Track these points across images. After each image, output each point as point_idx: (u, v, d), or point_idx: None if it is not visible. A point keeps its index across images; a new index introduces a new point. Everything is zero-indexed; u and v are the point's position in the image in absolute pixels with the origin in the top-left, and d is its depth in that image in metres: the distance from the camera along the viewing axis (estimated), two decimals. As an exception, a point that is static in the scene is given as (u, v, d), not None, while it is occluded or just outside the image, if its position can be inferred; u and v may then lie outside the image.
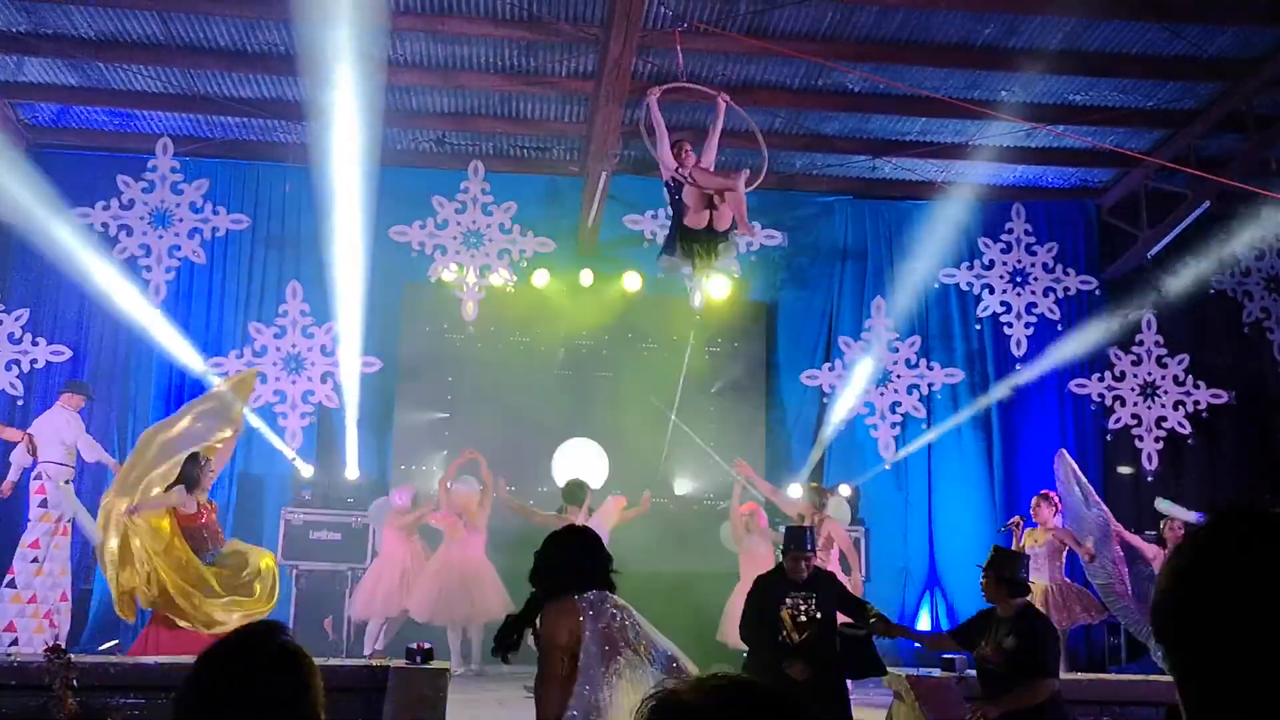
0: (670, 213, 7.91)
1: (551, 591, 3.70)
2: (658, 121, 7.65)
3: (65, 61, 9.74)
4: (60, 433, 8.99)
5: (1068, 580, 9.19)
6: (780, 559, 6.17)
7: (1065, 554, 9.19)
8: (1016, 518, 9.38)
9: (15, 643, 8.37)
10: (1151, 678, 7.17)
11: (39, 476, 8.84)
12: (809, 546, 5.92)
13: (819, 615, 5.65)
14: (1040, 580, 8.91)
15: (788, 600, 5.69)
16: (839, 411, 11.20)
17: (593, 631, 3.58)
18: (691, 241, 7.54)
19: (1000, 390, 11.50)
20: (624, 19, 8.16)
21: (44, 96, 10.28)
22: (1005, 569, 5.30)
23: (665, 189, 7.72)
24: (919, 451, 11.46)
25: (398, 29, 9.05)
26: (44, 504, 8.75)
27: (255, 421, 10.40)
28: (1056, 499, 9.22)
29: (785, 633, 5.63)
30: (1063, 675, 7.12)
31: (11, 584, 8.58)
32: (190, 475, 7.65)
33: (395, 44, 9.38)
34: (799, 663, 5.49)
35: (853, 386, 11.19)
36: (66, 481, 8.89)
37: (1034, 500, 9.28)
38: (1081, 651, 10.54)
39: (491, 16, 8.94)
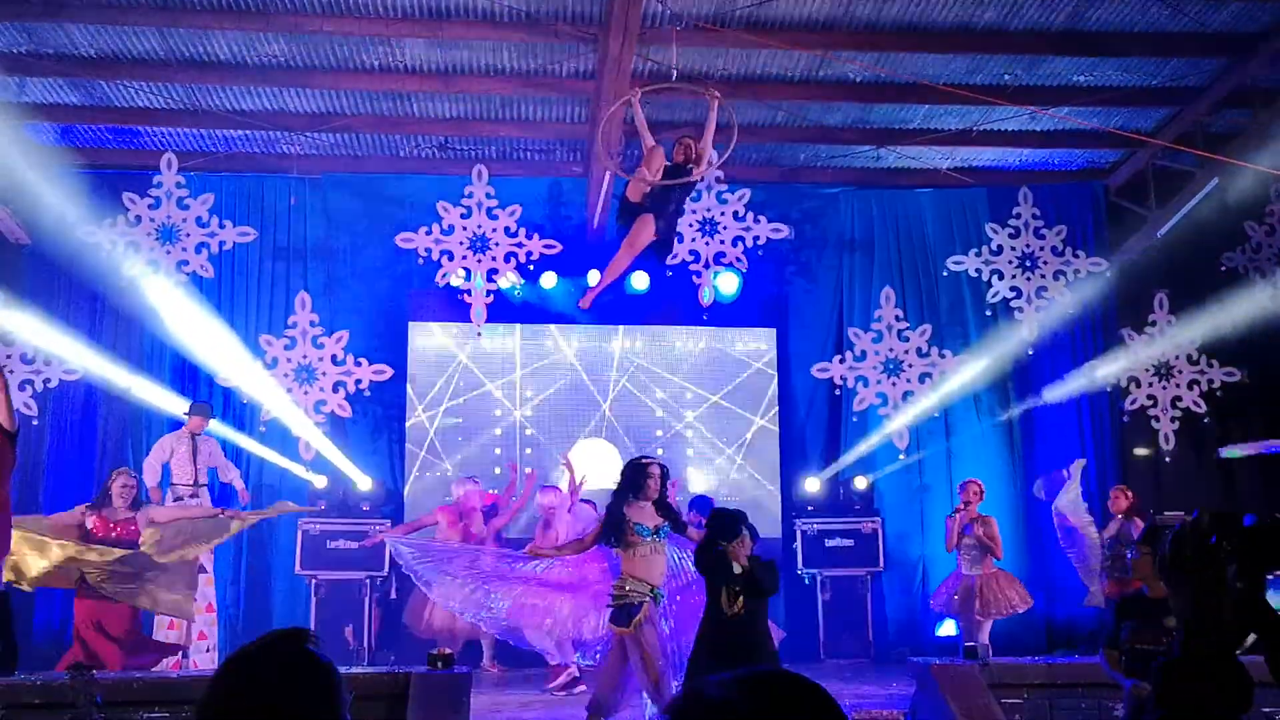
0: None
1: None
2: (641, 123, 7.75)
3: (67, 80, 9.76)
4: (161, 457, 9.39)
5: (999, 570, 9.13)
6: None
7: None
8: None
9: (209, 649, 9.01)
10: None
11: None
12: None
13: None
14: (975, 570, 8.91)
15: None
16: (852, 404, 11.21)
17: None
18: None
19: (1013, 375, 11.47)
20: (622, 18, 8.15)
21: (47, 116, 10.30)
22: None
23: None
24: (936, 440, 11.43)
25: (396, 35, 9.06)
26: None
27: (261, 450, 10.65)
28: (980, 486, 9.26)
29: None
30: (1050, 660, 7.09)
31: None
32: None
33: (395, 51, 9.39)
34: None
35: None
36: (176, 499, 9.21)
37: (959, 486, 9.32)
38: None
39: (489, 20, 8.93)
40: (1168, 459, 10.96)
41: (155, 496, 9.38)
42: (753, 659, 5.62)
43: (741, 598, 5.91)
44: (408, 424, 11.30)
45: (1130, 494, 9.41)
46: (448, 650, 6.32)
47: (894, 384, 11.16)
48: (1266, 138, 9.88)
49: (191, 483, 9.34)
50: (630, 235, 7.81)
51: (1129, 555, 8.52)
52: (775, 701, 1.44)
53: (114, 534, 7.81)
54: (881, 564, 10.93)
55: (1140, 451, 11.55)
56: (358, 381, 10.66)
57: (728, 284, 11.00)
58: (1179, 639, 2.24)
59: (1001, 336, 11.22)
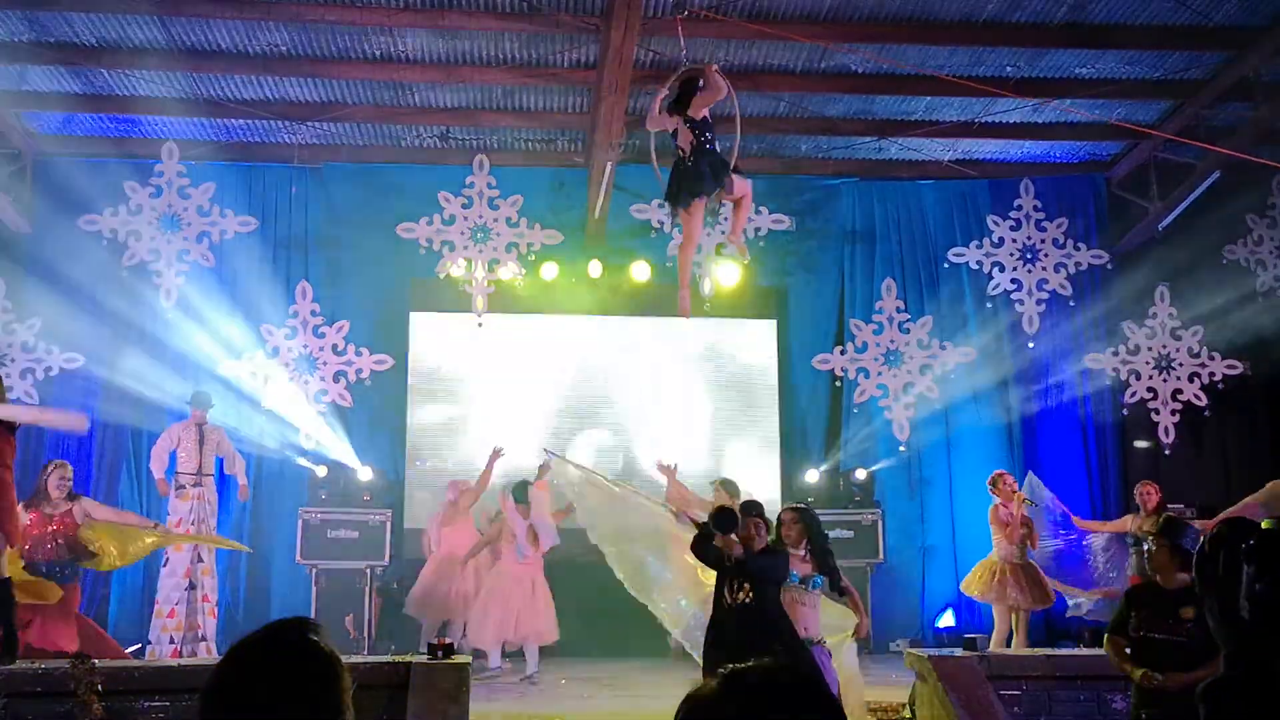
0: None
1: None
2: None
3: (68, 69, 9.74)
4: (167, 445, 9.39)
5: (1031, 560, 9.09)
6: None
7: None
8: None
9: (203, 638, 9.01)
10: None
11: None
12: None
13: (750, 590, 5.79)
14: (1009, 559, 8.88)
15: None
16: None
17: None
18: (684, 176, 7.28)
19: (1014, 368, 11.47)
20: (625, 8, 8.13)
21: (49, 105, 10.28)
22: (1182, 538, 4.94)
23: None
24: (936, 432, 11.43)
25: (398, 25, 9.05)
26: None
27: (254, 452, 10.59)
28: (1011, 478, 9.22)
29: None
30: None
31: (190, 585, 9.05)
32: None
33: (396, 40, 9.37)
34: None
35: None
36: (179, 487, 9.21)
37: (993, 476, 9.19)
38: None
39: (492, 9, 8.91)
40: (1168, 452, 10.97)
41: (162, 488, 9.36)
42: (771, 647, 5.52)
43: (747, 586, 5.74)
44: (408, 414, 11.30)
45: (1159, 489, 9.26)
46: (448, 640, 6.34)
47: (895, 375, 11.17)
48: (1268, 131, 9.87)
49: (195, 471, 9.28)
50: (686, 229, 7.52)
51: (1146, 547, 8.52)
52: (768, 696, 1.44)
53: (51, 528, 7.40)
54: (881, 555, 10.93)
55: (1140, 444, 11.55)
56: (359, 371, 10.67)
57: (729, 275, 10.99)
58: (1225, 661, 2.24)
59: (1002, 328, 11.22)
